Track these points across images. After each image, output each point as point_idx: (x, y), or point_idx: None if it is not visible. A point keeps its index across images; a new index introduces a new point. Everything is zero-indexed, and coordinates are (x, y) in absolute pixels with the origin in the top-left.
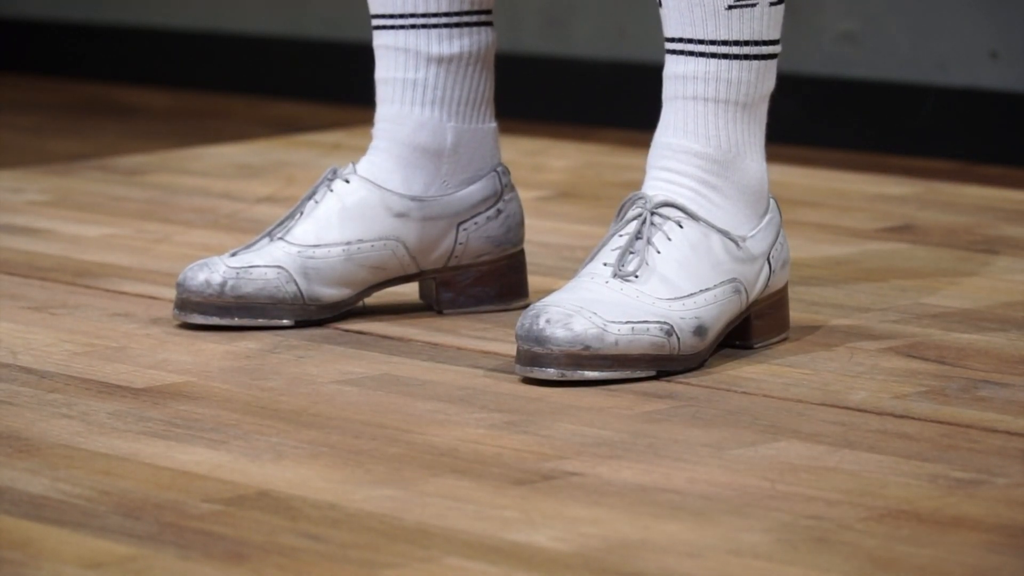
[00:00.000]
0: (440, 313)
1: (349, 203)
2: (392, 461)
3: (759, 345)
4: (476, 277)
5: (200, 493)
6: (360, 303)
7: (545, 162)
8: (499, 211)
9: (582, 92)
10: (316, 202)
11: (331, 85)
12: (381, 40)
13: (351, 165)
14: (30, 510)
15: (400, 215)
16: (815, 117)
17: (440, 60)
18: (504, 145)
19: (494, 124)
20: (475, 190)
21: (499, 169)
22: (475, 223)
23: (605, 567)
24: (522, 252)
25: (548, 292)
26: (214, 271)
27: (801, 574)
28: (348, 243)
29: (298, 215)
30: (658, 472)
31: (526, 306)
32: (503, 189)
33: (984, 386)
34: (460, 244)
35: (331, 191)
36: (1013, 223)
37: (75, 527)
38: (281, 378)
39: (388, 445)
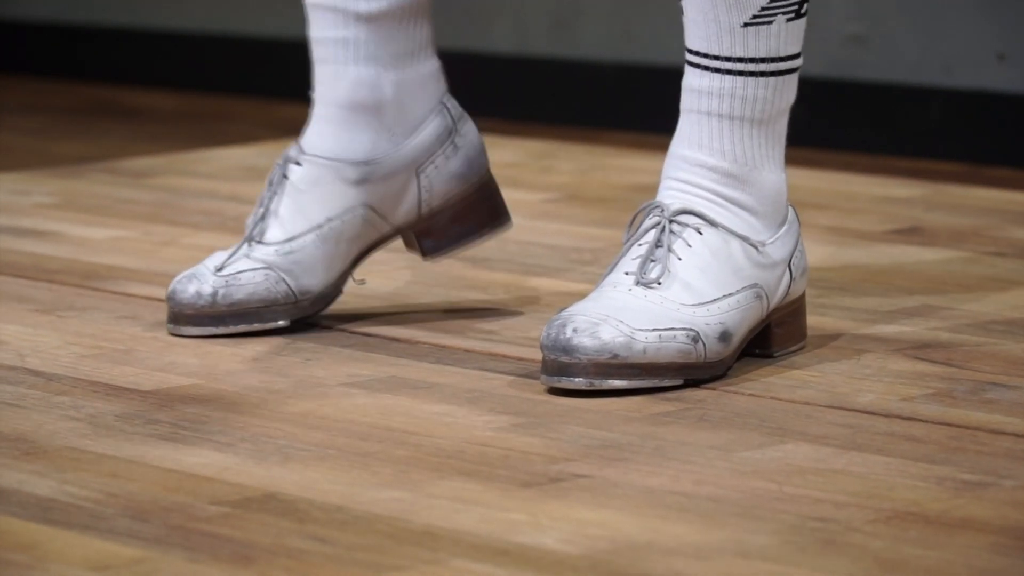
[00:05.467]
0: (427, 259)
1: (305, 186)
2: (399, 463)
3: (779, 354)
4: (451, 217)
5: (207, 495)
6: (354, 280)
7: (552, 164)
8: (456, 146)
9: (589, 94)
10: (276, 194)
11: None
12: None
13: (296, 144)
14: (37, 512)
15: (358, 182)
16: (822, 119)
17: (369, 18)
18: (511, 147)
19: (433, 61)
20: (426, 134)
21: (445, 103)
22: (434, 166)
23: (612, 569)
24: (490, 178)
25: (556, 294)
26: (203, 282)
27: None
28: (319, 226)
29: (266, 214)
30: (665, 474)
31: (507, 225)
32: (455, 122)
33: (992, 388)
34: (425, 191)
35: (286, 178)
36: (1020, 225)
37: (82, 529)
38: (288, 380)
39: (395, 447)
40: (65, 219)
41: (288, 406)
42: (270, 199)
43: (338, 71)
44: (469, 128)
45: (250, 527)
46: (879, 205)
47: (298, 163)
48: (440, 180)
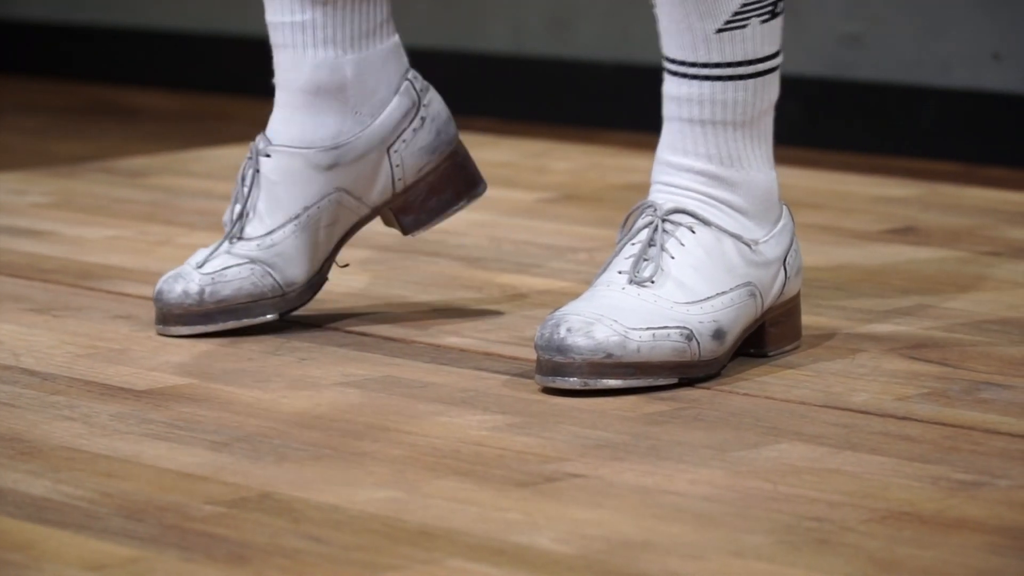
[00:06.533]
0: (408, 235)
1: (278, 177)
2: (394, 463)
3: (774, 353)
4: (428, 190)
5: (202, 495)
6: (338, 265)
7: (548, 164)
8: (423, 119)
9: (585, 94)
10: (251, 189)
11: None
12: None
13: (263, 135)
14: (32, 512)
15: (330, 167)
16: (818, 119)
17: (326, 1)
18: (507, 147)
19: (394, 38)
20: (392, 110)
21: (409, 76)
22: (403, 141)
23: (608, 569)
24: (460, 145)
25: (551, 293)
26: (189, 281)
27: None
28: (296, 216)
29: (243, 211)
30: (660, 474)
31: (483, 190)
32: (419, 95)
33: (986, 388)
34: (397, 167)
35: (258, 172)
36: (1015, 225)
37: (77, 529)
38: (283, 380)
39: (390, 447)
40: (61, 219)
41: (283, 405)
42: (247, 195)
43: (297, 55)
44: (434, 98)
45: (245, 527)
46: (874, 205)
47: (267, 155)
48: (411, 155)
